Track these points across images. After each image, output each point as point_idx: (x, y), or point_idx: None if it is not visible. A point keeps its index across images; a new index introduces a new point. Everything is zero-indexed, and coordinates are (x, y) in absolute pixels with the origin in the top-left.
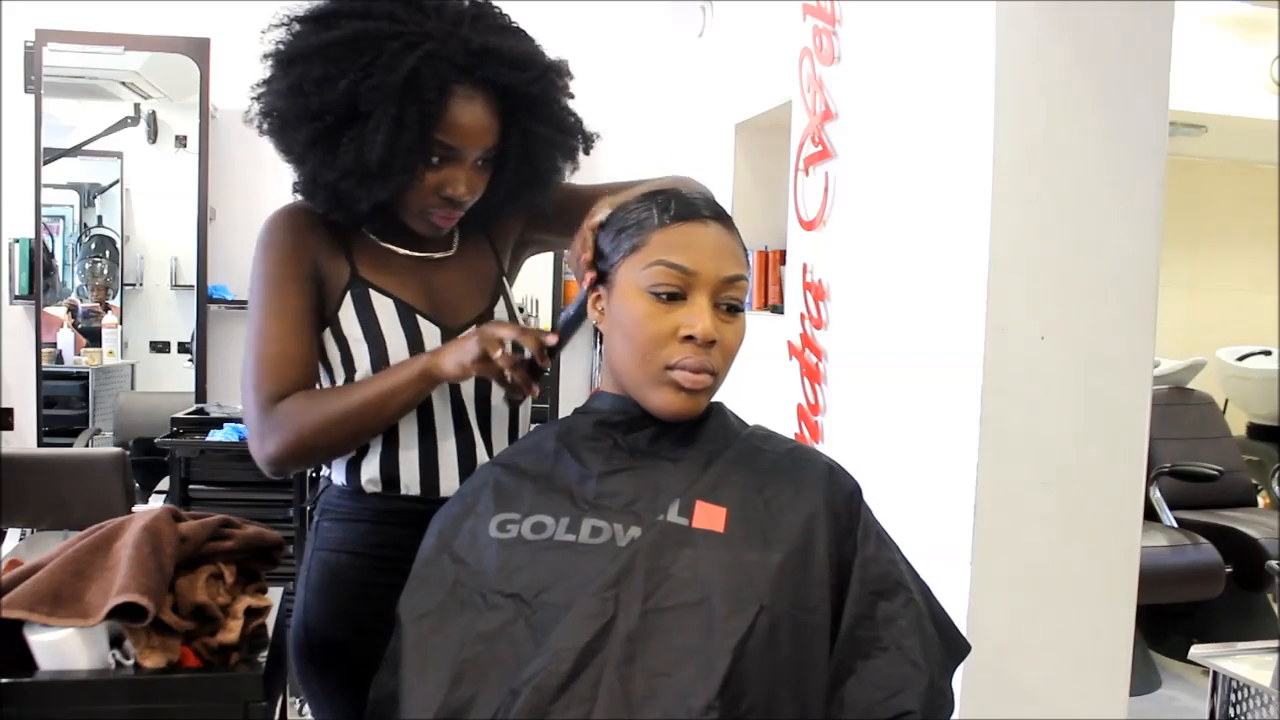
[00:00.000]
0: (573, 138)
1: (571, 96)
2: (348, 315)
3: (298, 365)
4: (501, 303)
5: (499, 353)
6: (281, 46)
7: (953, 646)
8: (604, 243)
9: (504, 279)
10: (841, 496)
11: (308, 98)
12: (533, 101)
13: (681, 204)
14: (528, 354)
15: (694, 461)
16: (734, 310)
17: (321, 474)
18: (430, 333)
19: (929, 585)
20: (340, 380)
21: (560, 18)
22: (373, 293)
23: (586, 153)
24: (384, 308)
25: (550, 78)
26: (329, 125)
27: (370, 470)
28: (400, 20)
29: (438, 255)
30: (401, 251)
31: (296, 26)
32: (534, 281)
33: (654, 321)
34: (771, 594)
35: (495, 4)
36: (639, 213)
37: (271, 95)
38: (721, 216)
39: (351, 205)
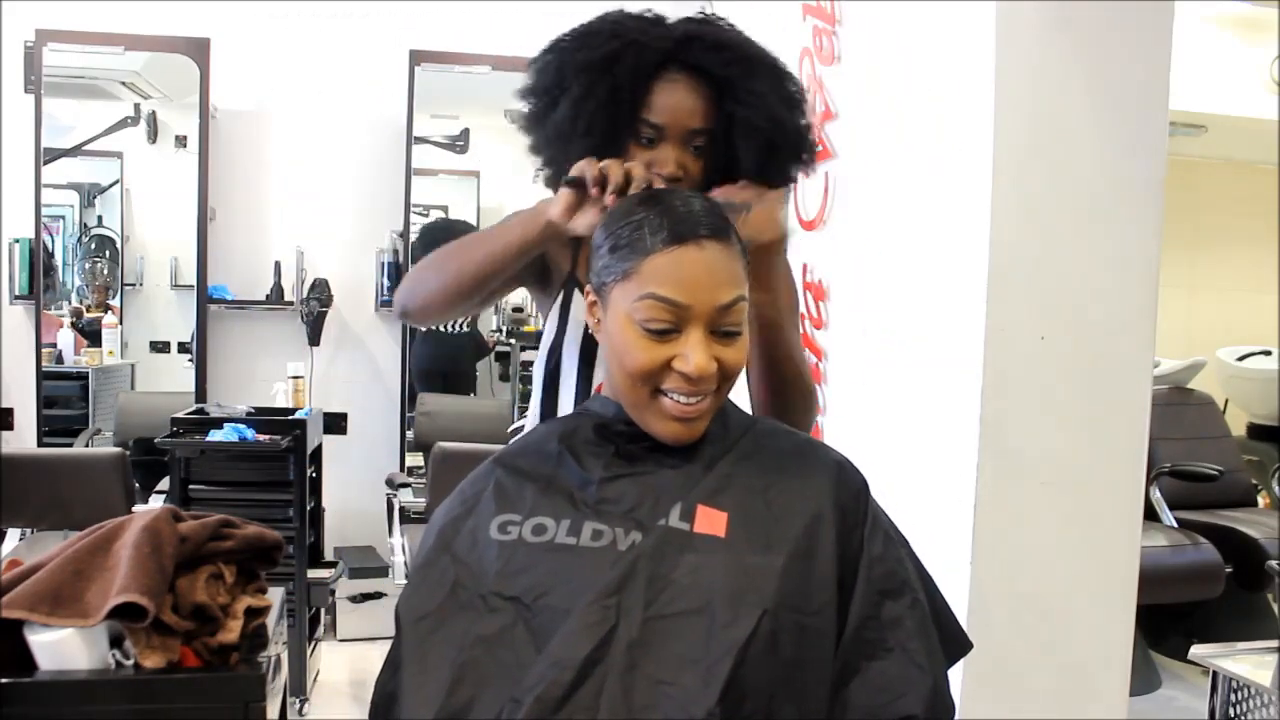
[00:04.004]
0: (780, 132)
1: (789, 95)
2: (557, 304)
3: None
4: None
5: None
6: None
7: (954, 644)
8: (597, 255)
9: None
10: (849, 493)
11: (535, 82)
12: (734, 86)
13: (674, 223)
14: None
15: (696, 465)
16: (733, 336)
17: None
18: None
19: (933, 580)
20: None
21: (561, 18)
22: (576, 291)
23: (805, 153)
24: (578, 305)
25: (754, 66)
26: (545, 104)
27: None
28: (622, 23)
29: None
30: None
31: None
32: None
33: (646, 354)
34: (774, 598)
35: (720, 17)
36: (631, 230)
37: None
38: (719, 232)
39: (561, 170)
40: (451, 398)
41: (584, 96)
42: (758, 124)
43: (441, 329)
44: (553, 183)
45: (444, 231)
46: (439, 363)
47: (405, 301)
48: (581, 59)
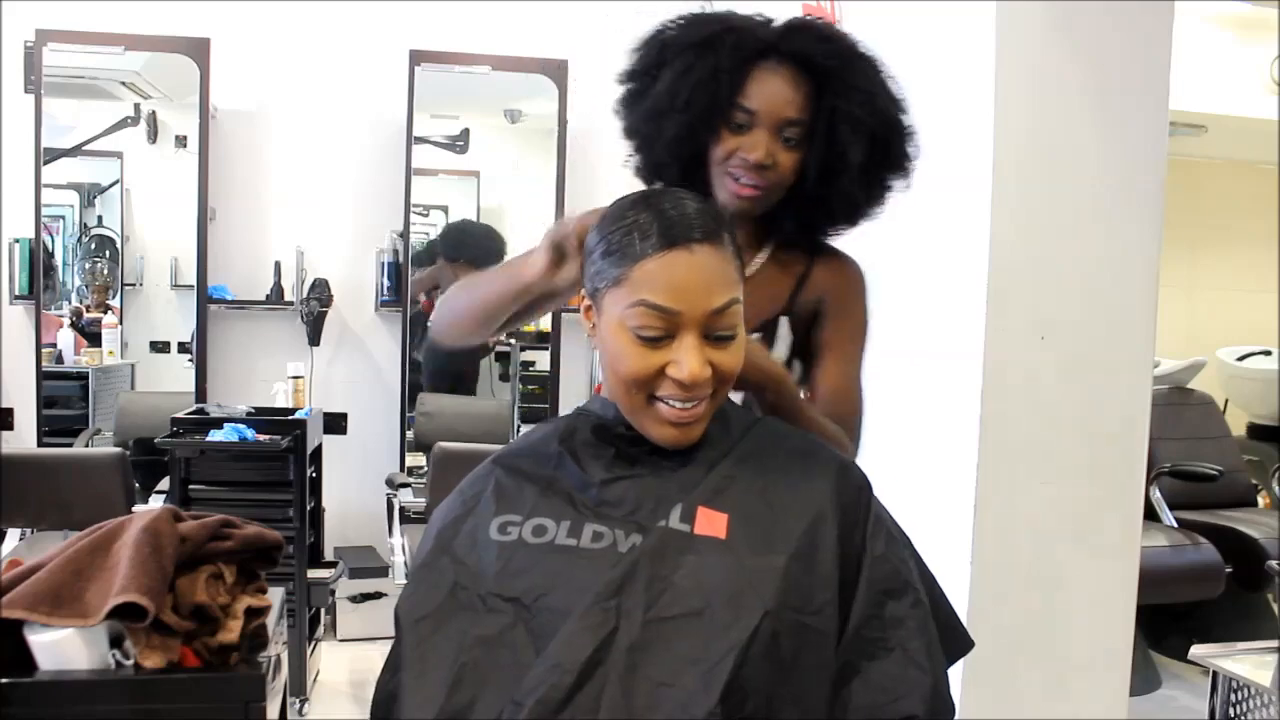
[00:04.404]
0: (885, 128)
1: (891, 93)
2: None
3: None
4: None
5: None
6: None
7: (955, 643)
8: (590, 260)
9: (786, 315)
10: (850, 492)
11: (634, 64)
12: (837, 79)
13: (665, 227)
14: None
15: (696, 467)
16: (727, 339)
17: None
18: None
19: (935, 579)
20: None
21: (561, 19)
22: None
23: (904, 159)
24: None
25: (858, 61)
26: (643, 84)
27: None
28: (726, 14)
29: None
30: None
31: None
32: None
33: (639, 360)
34: (775, 599)
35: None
36: (622, 235)
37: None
38: (711, 235)
39: (652, 151)
40: (451, 398)
41: (685, 72)
42: (862, 118)
43: None
44: (642, 171)
45: (462, 233)
46: (454, 363)
47: (436, 322)
48: (684, 38)
